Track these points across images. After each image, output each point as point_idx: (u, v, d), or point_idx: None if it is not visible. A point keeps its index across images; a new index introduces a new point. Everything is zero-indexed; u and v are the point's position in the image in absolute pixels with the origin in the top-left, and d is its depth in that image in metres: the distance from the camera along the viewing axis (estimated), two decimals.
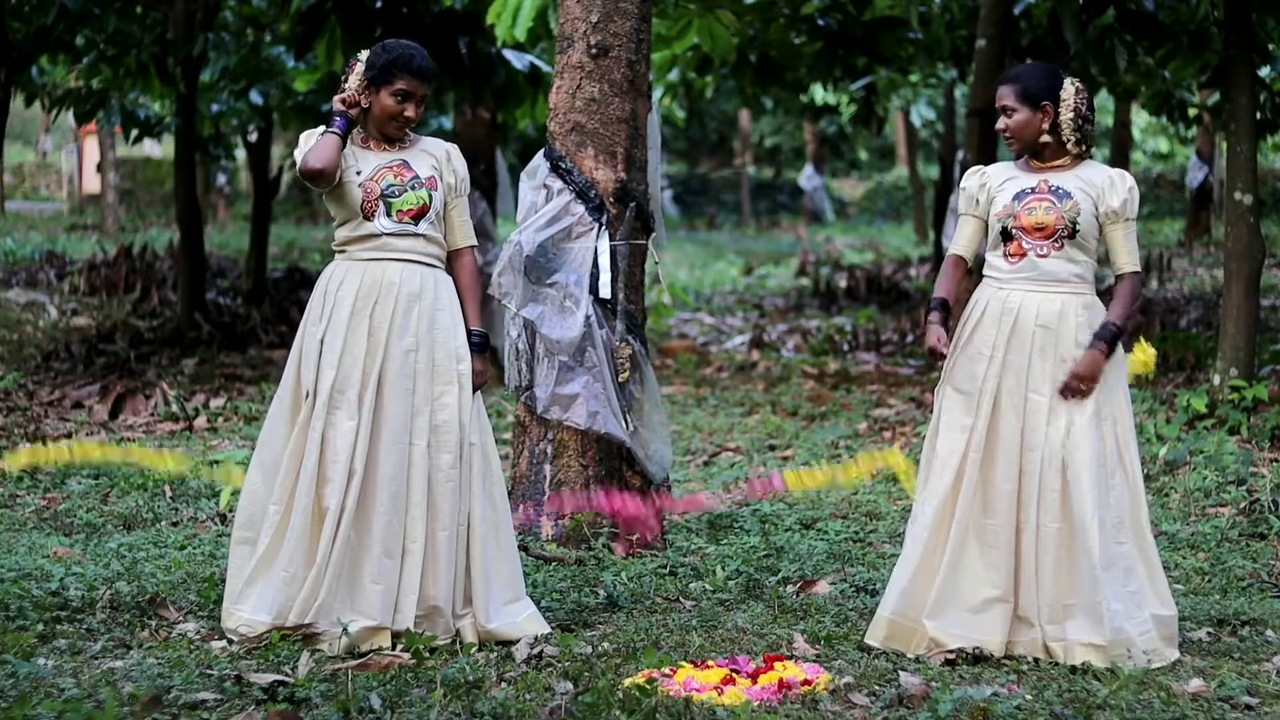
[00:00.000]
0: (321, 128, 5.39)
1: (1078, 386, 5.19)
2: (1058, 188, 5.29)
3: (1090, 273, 5.31)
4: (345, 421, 5.26)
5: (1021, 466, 5.23)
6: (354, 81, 5.39)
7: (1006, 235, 5.33)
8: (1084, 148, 5.33)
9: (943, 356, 5.37)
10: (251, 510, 5.36)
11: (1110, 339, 5.21)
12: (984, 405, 5.28)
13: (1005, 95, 5.38)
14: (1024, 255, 5.31)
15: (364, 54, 5.44)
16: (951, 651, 5.15)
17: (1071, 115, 5.29)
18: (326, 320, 5.33)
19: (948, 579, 5.23)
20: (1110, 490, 5.21)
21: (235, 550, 5.38)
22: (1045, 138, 5.32)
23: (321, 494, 5.26)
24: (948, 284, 5.50)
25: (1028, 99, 5.32)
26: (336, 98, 5.42)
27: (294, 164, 5.55)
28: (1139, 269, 5.33)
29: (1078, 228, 5.25)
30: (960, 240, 5.50)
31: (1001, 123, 5.38)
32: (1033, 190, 5.32)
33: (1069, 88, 5.31)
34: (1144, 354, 6.75)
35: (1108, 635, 5.12)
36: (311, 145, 5.35)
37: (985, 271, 5.42)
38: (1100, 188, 5.28)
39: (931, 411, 5.50)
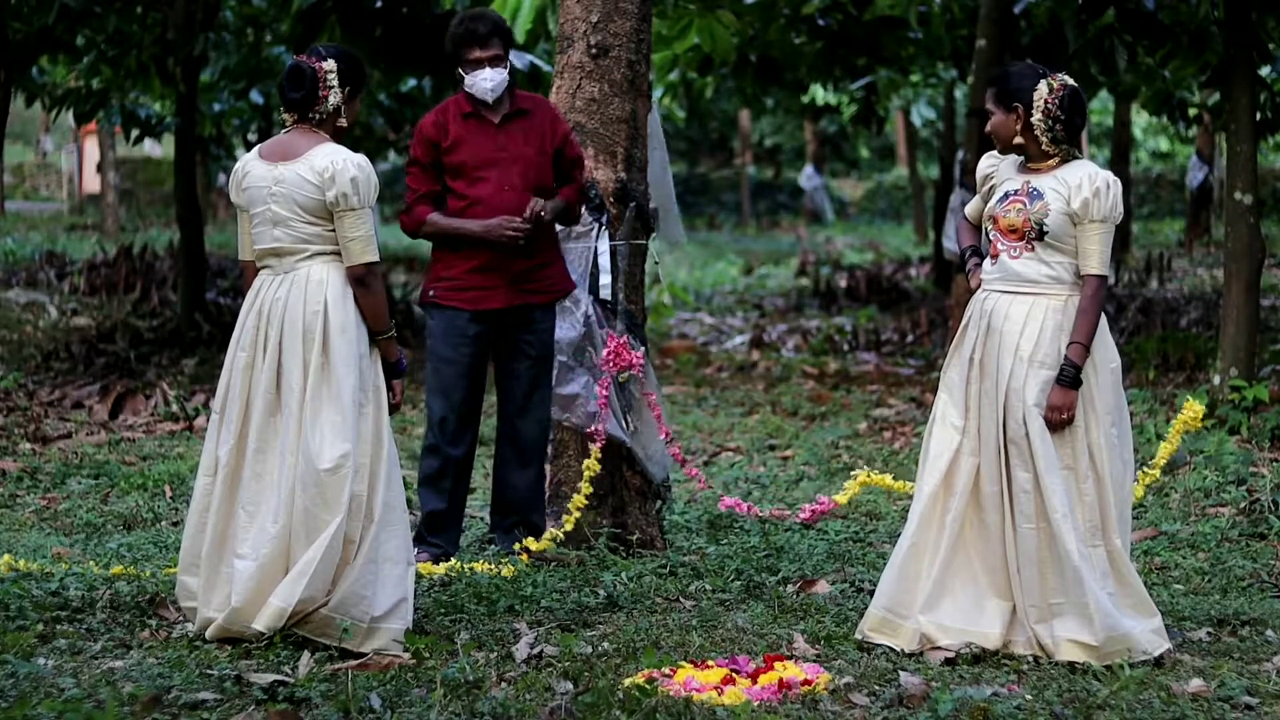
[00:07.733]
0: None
1: (1051, 418, 5.17)
2: (1034, 189, 5.27)
3: (1069, 273, 5.24)
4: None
5: (1001, 468, 5.24)
6: (338, 95, 5.34)
7: (987, 235, 5.35)
8: (1061, 147, 5.28)
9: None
10: None
11: (1070, 380, 5.16)
12: (970, 407, 5.30)
13: (985, 97, 5.43)
14: (998, 256, 5.31)
15: (329, 63, 5.32)
16: (951, 650, 5.15)
17: (1041, 116, 5.24)
18: None
19: (942, 574, 5.24)
20: (1082, 496, 5.21)
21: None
22: (1018, 139, 5.31)
23: None
24: (966, 235, 5.57)
25: (1000, 101, 5.32)
26: (343, 120, 5.39)
27: None
28: (1103, 273, 5.22)
29: (1046, 229, 5.21)
30: (968, 208, 5.59)
31: (988, 124, 5.39)
32: (1016, 192, 5.31)
33: (1042, 87, 5.24)
34: (1192, 410, 6.75)
35: (1099, 635, 5.11)
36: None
37: None
38: (1071, 188, 5.22)
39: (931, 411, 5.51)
